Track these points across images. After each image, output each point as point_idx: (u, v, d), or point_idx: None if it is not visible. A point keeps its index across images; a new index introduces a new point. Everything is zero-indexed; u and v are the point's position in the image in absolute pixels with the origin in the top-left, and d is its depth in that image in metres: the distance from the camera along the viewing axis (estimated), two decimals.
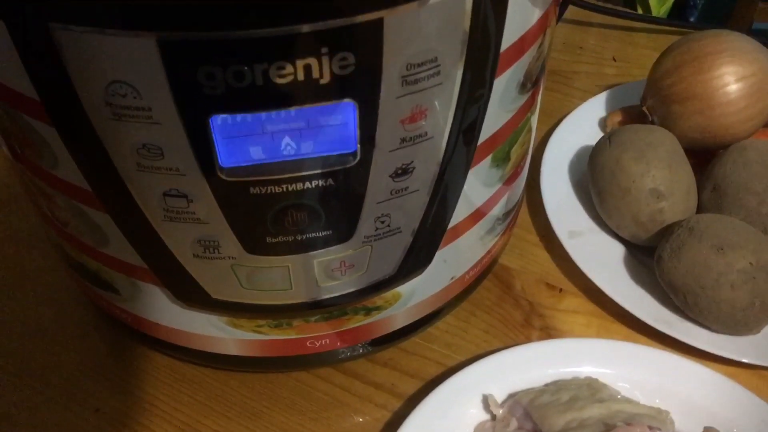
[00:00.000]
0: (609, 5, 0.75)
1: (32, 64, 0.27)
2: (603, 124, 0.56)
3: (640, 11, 1.11)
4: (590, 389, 0.38)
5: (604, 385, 0.39)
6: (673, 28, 0.71)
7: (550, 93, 0.63)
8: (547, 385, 0.40)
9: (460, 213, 0.37)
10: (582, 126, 0.56)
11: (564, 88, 0.64)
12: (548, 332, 0.46)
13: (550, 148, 0.54)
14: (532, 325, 0.46)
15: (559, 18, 0.41)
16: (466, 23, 0.28)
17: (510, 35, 0.31)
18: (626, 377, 0.40)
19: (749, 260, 0.40)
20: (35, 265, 0.49)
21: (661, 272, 0.43)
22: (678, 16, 1.19)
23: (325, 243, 0.33)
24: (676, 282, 0.42)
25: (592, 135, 0.54)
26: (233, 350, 0.39)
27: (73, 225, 0.35)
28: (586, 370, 0.40)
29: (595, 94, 0.60)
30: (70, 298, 0.47)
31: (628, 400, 0.39)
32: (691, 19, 1.23)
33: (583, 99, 0.59)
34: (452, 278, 0.41)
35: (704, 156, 0.50)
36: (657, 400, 0.39)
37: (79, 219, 0.34)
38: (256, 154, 0.29)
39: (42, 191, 0.34)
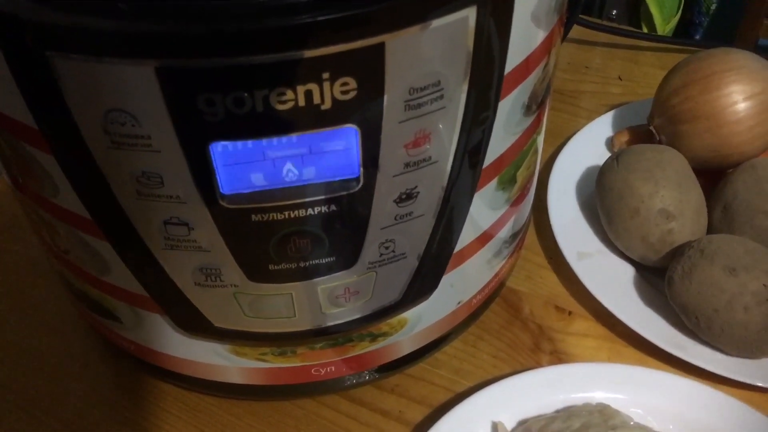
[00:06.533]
0: (614, 24, 0.75)
1: (30, 92, 0.26)
2: (610, 143, 0.56)
3: (645, 30, 1.11)
4: (602, 416, 0.38)
5: (617, 412, 0.38)
6: (679, 47, 0.70)
7: (555, 113, 0.63)
8: (558, 411, 0.39)
9: (466, 237, 0.36)
10: (588, 146, 0.56)
11: (569, 108, 0.64)
12: (558, 356, 0.45)
13: (557, 169, 0.54)
14: (541, 349, 0.45)
15: (563, 38, 0.41)
16: (470, 45, 0.27)
17: (514, 56, 0.30)
18: (639, 403, 0.39)
19: (763, 282, 0.39)
20: (38, 294, 0.48)
21: (673, 294, 0.42)
22: (683, 35, 1.19)
23: (329, 270, 0.32)
24: (688, 304, 0.41)
25: (599, 155, 0.54)
26: (237, 379, 0.39)
27: (74, 253, 0.35)
28: (597, 395, 0.40)
29: (601, 113, 0.59)
30: (74, 328, 0.46)
31: (641, 427, 0.38)
32: (697, 37, 1.23)
33: (589, 119, 0.59)
34: (459, 303, 0.40)
35: (713, 175, 0.49)
36: (671, 426, 0.39)
37: (79, 247, 0.33)
38: (258, 180, 0.28)
39: (43, 219, 0.34)
